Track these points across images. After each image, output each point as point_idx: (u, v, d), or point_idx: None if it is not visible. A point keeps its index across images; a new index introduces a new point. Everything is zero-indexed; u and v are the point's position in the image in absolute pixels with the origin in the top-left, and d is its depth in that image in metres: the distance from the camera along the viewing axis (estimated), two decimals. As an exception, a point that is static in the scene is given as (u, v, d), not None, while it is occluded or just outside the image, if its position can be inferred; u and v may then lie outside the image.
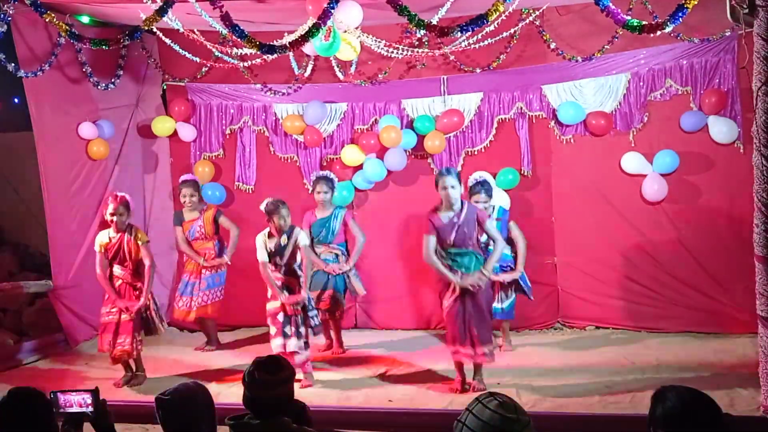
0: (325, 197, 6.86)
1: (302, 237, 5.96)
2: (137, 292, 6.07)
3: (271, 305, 5.94)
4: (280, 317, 5.86)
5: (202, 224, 7.13)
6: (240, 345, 7.40)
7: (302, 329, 5.87)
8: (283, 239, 5.90)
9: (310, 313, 5.95)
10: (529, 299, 6.70)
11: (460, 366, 5.66)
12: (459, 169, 7.23)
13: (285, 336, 5.84)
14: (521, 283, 6.57)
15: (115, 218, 5.96)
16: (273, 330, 5.93)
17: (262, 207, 5.95)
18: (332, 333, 7.01)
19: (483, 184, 6.35)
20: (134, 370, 6.24)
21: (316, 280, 6.68)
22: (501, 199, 6.94)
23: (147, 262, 6.04)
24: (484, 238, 5.86)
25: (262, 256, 5.94)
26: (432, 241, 5.43)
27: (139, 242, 6.04)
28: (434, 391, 5.66)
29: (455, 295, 5.46)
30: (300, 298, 5.84)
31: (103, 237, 6.12)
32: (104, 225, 6.20)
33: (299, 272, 5.94)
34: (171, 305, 7.60)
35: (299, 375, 5.93)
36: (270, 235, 5.95)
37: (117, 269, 6.09)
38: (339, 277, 6.82)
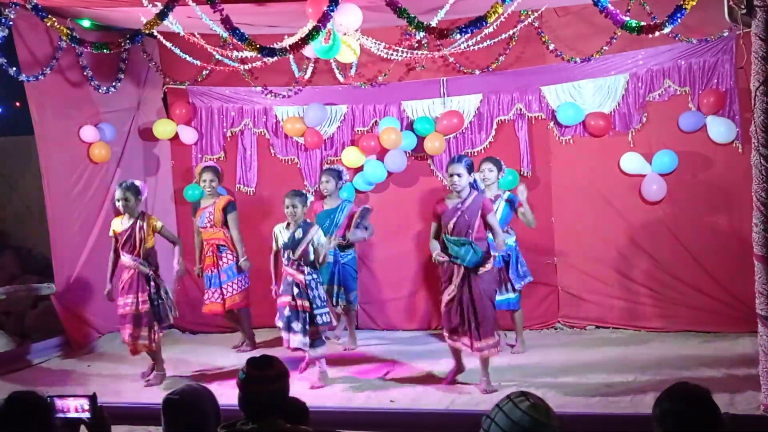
0: (327, 186, 6.90)
1: (321, 237, 5.95)
2: (148, 285, 6.09)
3: (280, 300, 5.97)
4: (287, 311, 5.88)
5: (212, 211, 6.98)
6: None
7: (308, 326, 5.84)
8: (298, 232, 5.89)
9: (319, 311, 5.91)
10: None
11: (455, 352, 5.72)
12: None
13: (291, 331, 5.85)
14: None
15: (121, 203, 6.08)
16: (280, 324, 5.96)
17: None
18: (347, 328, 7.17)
19: (489, 158, 6.49)
20: (153, 367, 6.26)
21: (322, 273, 6.73)
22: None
23: (174, 241, 6.40)
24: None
25: (275, 245, 6.07)
26: (434, 227, 5.65)
27: (155, 228, 6.12)
28: (435, 391, 5.67)
29: (456, 287, 5.47)
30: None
31: (116, 223, 6.24)
32: (119, 213, 6.32)
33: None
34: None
35: (311, 374, 5.99)
36: (288, 226, 5.99)
37: (128, 259, 6.12)
38: (346, 271, 6.87)
